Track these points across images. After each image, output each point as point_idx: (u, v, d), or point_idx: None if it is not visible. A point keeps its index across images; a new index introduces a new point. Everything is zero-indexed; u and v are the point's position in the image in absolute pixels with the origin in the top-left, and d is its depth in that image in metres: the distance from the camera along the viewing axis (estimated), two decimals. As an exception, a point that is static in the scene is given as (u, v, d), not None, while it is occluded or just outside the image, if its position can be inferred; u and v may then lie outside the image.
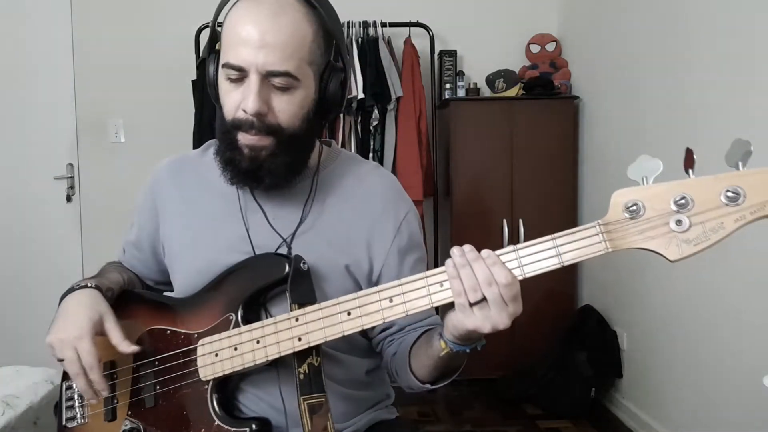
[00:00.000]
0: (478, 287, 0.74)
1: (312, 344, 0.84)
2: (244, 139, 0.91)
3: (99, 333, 0.92)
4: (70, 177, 3.33)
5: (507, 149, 3.07)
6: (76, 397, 1.02)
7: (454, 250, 0.77)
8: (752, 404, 1.89)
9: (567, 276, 3.14)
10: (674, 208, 0.69)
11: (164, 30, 3.27)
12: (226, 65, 0.89)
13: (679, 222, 0.68)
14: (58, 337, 0.91)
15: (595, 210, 2.99)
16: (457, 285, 0.76)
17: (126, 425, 0.96)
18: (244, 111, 0.89)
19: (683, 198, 0.68)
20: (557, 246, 0.74)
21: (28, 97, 3.29)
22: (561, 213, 3.07)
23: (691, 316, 2.21)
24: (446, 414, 2.81)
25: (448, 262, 0.77)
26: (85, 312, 0.92)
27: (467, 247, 0.77)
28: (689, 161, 0.69)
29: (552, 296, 3.10)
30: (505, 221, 3.04)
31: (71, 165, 3.33)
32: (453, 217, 3.09)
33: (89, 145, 3.33)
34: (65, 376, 1.03)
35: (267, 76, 0.88)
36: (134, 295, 1.06)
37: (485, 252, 0.76)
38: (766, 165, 0.68)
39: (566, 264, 0.74)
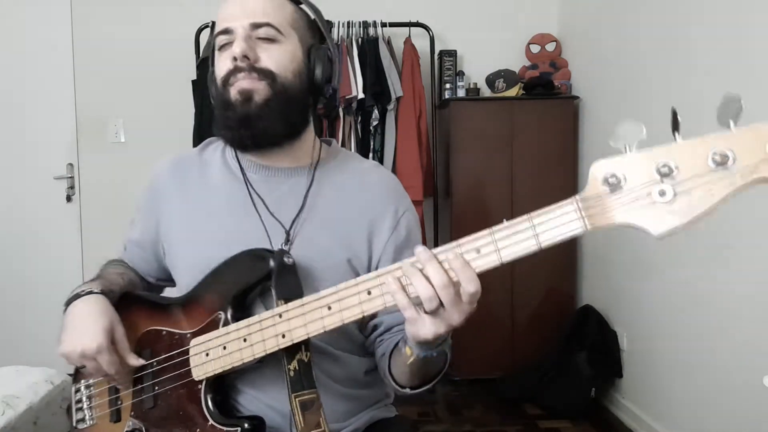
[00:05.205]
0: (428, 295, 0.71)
1: (295, 341, 0.82)
2: (236, 86, 0.92)
3: (112, 341, 0.93)
4: (70, 177, 3.33)
5: (507, 149, 3.07)
6: (84, 399, 1.02)
7: (388, 278, 0.74)
8: (752, 404, 1.89)
9: (567, 276, 3.14)
10: (657, 177, 0.61)
11: (164, 30, 3.27)
12: (216, 35, 0.95)
13: (662, 192, 0.61)
14: (75, 350, 0.91)
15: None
16: (401, 298, 0.73)
17: (129, 426, 0.96)
18: (234, 59, 0.92)
19: (666, 165, 0.61)
20: (534, 225, 0.69)
21: (28, 97, 3.29)
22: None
23: (691, 316, 2.21)
24: (446, 414, 2.81)
25: (387, 278, 0.74)
26: (98, 320, 0.92)
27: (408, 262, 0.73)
28: (675, 123, 0.62)
29: (552, 296, 3.10)
30: (505, 221, 3.04)
31: (71, 165, 3.34)
32: (453, 217, 3.09)
33: (89, 145, 3.34)
34: (75, 379, 1.04)
35: (251, 30, 0.93)
36: (132, 297, 1.05)
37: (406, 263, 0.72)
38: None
39: (544, 246, 0.68)
